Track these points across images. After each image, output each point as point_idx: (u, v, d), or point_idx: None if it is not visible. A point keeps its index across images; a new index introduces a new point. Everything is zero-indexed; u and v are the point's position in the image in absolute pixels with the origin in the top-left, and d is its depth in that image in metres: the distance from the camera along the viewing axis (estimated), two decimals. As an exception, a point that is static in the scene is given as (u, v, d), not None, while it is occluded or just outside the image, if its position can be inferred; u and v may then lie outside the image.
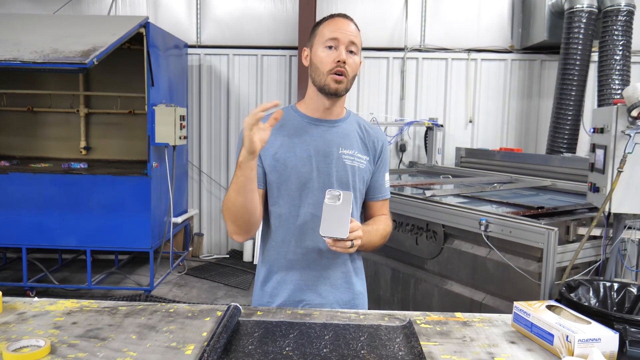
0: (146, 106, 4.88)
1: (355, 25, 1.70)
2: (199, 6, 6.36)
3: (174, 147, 5.08)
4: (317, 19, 5.87)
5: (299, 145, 1.68)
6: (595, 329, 1.27)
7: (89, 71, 4.29)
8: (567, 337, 1.23)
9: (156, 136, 4.90)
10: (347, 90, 1.68)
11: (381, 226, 1.76)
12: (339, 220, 1.45)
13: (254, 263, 6.13)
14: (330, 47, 1.63)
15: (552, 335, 1.28)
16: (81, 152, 6.12)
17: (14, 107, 6.08)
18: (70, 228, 4.75)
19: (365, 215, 1.84)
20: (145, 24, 4.77)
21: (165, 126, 4.91)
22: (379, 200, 1.82)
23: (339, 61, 1.61)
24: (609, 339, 1.24)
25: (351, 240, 1.48)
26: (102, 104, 6.10)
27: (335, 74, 1.62)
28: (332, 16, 1.70)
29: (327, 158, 1.68)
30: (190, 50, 6.29)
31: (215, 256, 6.47)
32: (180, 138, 5.05)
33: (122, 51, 5.42)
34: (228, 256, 6.47)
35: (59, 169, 5.12)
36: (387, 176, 1.83)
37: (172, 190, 5.19)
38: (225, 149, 6.48)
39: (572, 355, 1.21)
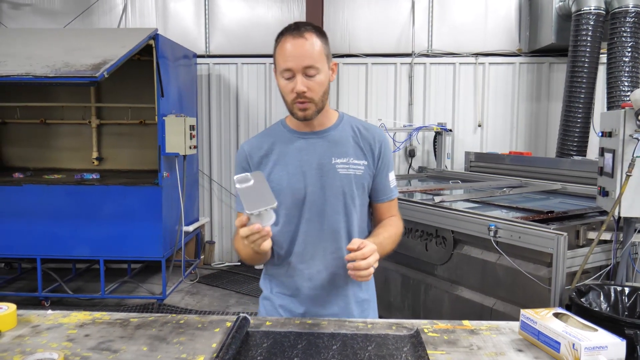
0: (156, 117, 4.94)
1: (315, 32, 1.56)
2: (207, 16, 6.43)
3: (184, 156, 5.12)
4: (325, 25, 5.97)
5: (290, 162, 1.65)
6: (602, 336, 1.27)
7: (100, 83, 4.35)
8: (574, 345, 1.23)
9: (166, 146, 4.95)
10: (318, 111, 1.61)
11: (392, 231, 1.71)
12: (260, 193, 1.39)
13: (265, 270, 6.14)
14: (287, 78, 1.56)
15: (559, 343, 1.28)
16: (93, 162, 6.20)
17: (27, 120, 6.18)
18: (84, 238, 4.81)
19: (375, 218, 1.79)
20: (155, 36, 4.83)
21: (176, 136, 4.96)
22: (385, 202, 1.75)
23: (298, 92, 1.54)
24: (616, 346, 1.23)
25: (371, 265, 1.46)
26: (113, 115, 6.18)
27: (299, 102, 1.56)
28: (284, 33, 1.57)
29: (320, 171, 1.64)
30: (199, 60, 6.35)
31: (226, 264, 6.50)
32: (190, 147, 5.09)
33: (132, 62, 5.49)
34: (239, 264, 6.49)
35: (72, 180, 5.19)
36: (391, 175, 1.75)
37: (183, 199, 5.24)
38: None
39: (579, 363, 1.21)
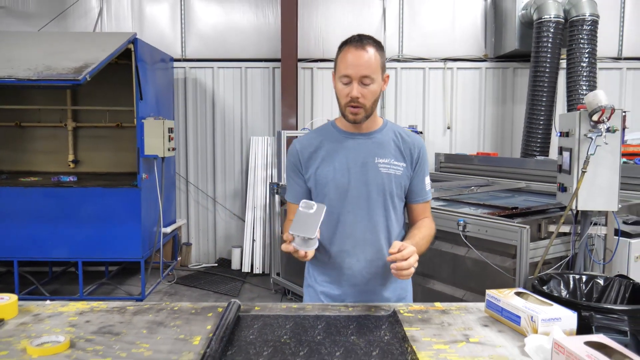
0: (135, 119, 4.99)
1: (375, 45, 1.72)
2: (183, 21, 6.50)
3: (163, 158, 5.18)
4: (299, 30, 6.11)
5: (337, 158, 1.81)
6: (556, 310, 1.44)
7: (79, 85, 4.40)
8: (532, 317, 1.40)
9: (145, 148, 5.00)
10: (367, 116, 1.77)
11: (426, 232, 1.85)
12: (309, 224, 1.55)
13: (242, 271, 6.24)
14: (344, 83, 1.71)
15: (519, 317, 1.45)
16: (69, 165, 6.19)
17: (1, 122, 6.13)
18: (62, 240, 4.82)
19: (410, 217, 1.94)
20: (134, 40, 4.89)
21: (155, 138, 5.02)
22: (421, 203, 1.90)
23: (352, 97, 1.70)
24: (568, 318, 1.41)
25: (412, 265, 1.59)
26: (90, 118, 6.18)
27: (351, 106, 1.73)
28: (348, 43, 1.72)
29: (364, 168, 1.80)
30: (175, 64, 6.40)
31: (203, 265, 6.56)
32: (169, 150, 5.16)
33: (109, 66, 5.49)
34: (216, 265, 6.56)
35: (49, 182, 5.18)
36: (427, 179, 1.90)
37: (162, 200, 5.29)
38: (212, 160, 6.60)
39: (536, 333, 1.38)
